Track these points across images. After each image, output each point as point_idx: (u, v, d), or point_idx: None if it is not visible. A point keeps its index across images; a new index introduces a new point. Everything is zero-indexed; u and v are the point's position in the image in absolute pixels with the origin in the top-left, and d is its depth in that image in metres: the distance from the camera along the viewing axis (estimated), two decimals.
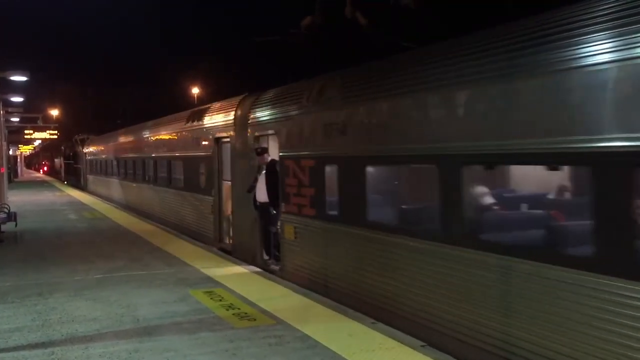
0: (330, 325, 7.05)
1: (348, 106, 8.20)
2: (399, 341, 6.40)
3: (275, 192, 10.41)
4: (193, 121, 15.37)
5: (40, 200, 28.53)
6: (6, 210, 16.73)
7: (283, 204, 9.95)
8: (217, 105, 14.13)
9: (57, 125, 52.61)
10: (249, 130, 11.47)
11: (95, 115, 59.62)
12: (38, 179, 60.65)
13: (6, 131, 27.97)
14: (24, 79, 21.87)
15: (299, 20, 14.42)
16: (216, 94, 35.68)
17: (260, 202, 10.98)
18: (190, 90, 57.43)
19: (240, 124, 11.92)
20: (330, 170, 8.62)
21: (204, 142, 14.29)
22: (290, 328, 6.95)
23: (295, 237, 9.56)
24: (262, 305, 7.99)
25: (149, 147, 20.56)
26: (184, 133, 16.28)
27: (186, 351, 6.26)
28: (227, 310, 7.81)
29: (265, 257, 11.11)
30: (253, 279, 9.80)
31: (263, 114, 10.92)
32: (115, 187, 26.74)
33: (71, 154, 43.73)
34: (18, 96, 29.59)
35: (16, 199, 27.24)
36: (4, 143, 24.35)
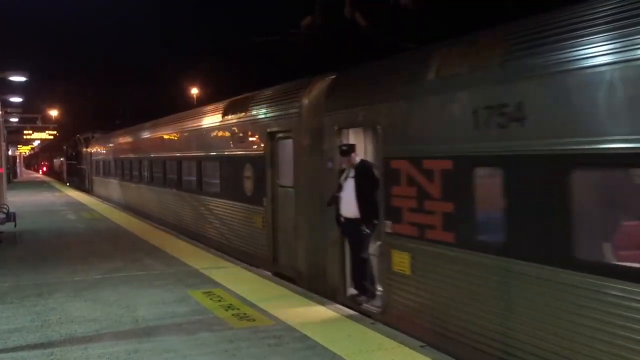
0: (329, 325, 7.04)
1: (529, 77, 5.33)
2: (398, 342, 6.39)
3: (369, 204, 7.93)
4: (234, 113, 12.62)
5: (40, 201, 28.51)
6: (5, 211, 16.72)
7: (389, 222, 7.35)
8: (270, 92, 11.44)
9: (56, 125, 52.63)
10: (325, 121, 8.92)
11: (95, 115, 59.62)
12: (37, 180, 60.63)
13: (5, 131, 27.95)
14: (23, 79, 21.89)
15: (299, 20, 14.39)
16: (216, 95, 35.69)
17: (346, 218, 8.27)
18: (190, 90, 57.47)
19: (310, 114, 9.48)
20: (485, 175, 6.07)
21: (250, 139, 11.63)
22: (290, 328, 6.94)
23: (413, 271, 6.92)
24: (262, 305, 7.98)
25: (170, 146, 17.70)
26: (220, 128, 13.39)
27: (186, 352, 6.24)
28: (227, 310, 7.80)
29: (352, 291, 8.41)
30: (252, 279, 9.77)
31: (351, 99, 8.36)
32: (127, 190, 24.12)
33: (74, 153, 42.30)
34: (17, 96, 29.62)
35: (15, 199, 27.21)
36: (3, 143, 24.34)
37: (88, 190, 34.37)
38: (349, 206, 8.19)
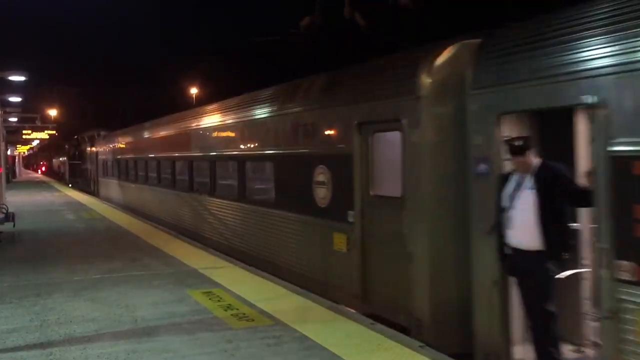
0: (328, 325, 7.03)
1: None
2: (397, 342, 6.38)
3: (561, 229, 5.49)
4: (298, 100, 9.87)
5: (39, 201, 28.49)
6: (4, 211, 16.72)
7: (628, 263, 4.70)
8: (361, 69, 8.77)
9: (55, 125, 52.62)
10: (472, 103, 6.35)
11: (94, 115, 59.62)
12: (36, 180, 60.63)
13: (4, 131, 27.95)
14: (22, 79, 21.87)
15: (298, 20, 14.39)
16: (216, 94, 35.70)
17: (517, 249, 5.62)
18: (189, 90, 57.49)
19: (437, 95, 6.89)
20: None
21: (327, 132, 8.96)
22: (289, 328, 6.93)
23: None
24: (261, 305, 7.96)
25: (201, 143, 14.78)
26: (275, 120, 10.62)
27: (185, 351, 6.24)
28: (226, 310, 7.79)
29: (520, 355, 6.05)
30: (251, 279, 9.76)
31: (530, 68, 5.61)
32: (141, 194, 21.45)
33: (77, 153, 40.81)
34: (16, 96, 29.62)
35: (14, 199, 27.20)
36: (2, 143, 24.33)
37: (93, 193, 32.42)
38: (524, 232, 5.53)
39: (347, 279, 8.27)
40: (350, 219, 8.21)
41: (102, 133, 31.94)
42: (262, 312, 7.64)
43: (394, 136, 7.41)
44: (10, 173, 49.30)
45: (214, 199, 13.69)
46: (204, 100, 39.42)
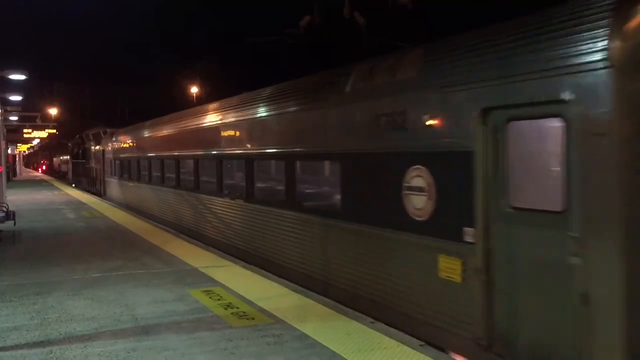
0: (329, 324, 7.05)
1: None
2: (397, 341, 6.40)
3: None
4: (375, 82, 7.85)
5: (39, 200, 28.48)
6: (5, 209, 16.73)
7: None
8: (482, 33, 6.49)
9: (55, 124, 52.69)
10: None
11: (94, 114, 59.68)
12: (37, 178, 60.61)
13: (5, 130, 27.96)
14: (22, 77, 21.89)
15: (292, 21, 14.39)
16: (217, 94, 35.69)
17: None
18: (189, 89, 57.53)
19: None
20: None
21: (427, 122, 6.82)
22: (289, 327, 6.95)
23: None
24: (261, 304, 7.98)
25: (234, 140, 12.68)
26: (342, 109, 8.53)
27: (184, 350, 6.25)
28: (226, 309, 7.81)
29: None
30: (251, 278, 9.78)
31: None
32: (156, 197, 19.34)
33: (80, 151, 39.44)
34: (16, 95, 29.66)
35: (15, 197, 27.22)
36: (3, 142, 24.34)
37: (99, 193, 30.75)
38: None
39: (462, 319, 6.31)
40: (468, 239, 6.20)
41: (108, 130, 30.23)
42: (262, 311, 7.66)
43: (547, 125, 5.50)
44: (11, 172, 49.31)
45: (251, 205, 11.64)
46: (204, 100, 39.38)
